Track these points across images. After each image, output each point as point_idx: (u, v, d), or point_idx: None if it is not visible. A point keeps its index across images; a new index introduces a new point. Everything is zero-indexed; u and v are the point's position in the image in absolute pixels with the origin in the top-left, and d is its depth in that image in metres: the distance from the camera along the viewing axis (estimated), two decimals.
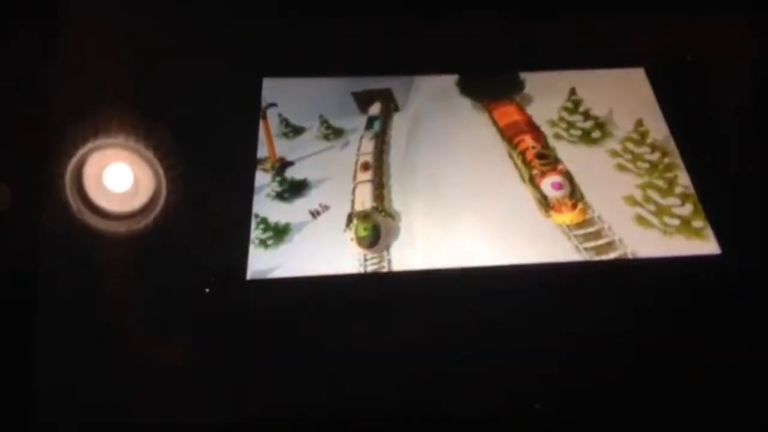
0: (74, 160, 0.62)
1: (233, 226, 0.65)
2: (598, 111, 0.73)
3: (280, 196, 0.68)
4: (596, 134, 0.71)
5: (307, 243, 0.65)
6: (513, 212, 0.66)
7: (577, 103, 0.73)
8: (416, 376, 0.58)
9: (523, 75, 0.76)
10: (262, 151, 0.71)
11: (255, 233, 0.65)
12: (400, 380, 0.58)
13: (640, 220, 0.65)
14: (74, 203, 0.61)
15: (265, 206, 0.67)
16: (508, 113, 0.74)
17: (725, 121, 0.72)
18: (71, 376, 0.58)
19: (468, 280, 0.62)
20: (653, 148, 0.70)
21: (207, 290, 0.61)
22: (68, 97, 0.66)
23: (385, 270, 0.63)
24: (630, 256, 0.63)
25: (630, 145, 0.70)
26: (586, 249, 0.63)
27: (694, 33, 0.77)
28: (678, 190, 0.67)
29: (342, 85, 0.76)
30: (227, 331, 0.59)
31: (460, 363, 0.58)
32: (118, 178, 0.62)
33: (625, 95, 0.74)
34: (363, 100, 0.76)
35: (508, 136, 0.72)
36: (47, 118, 0.65)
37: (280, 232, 0.65)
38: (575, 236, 0.64)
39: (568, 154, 0.70)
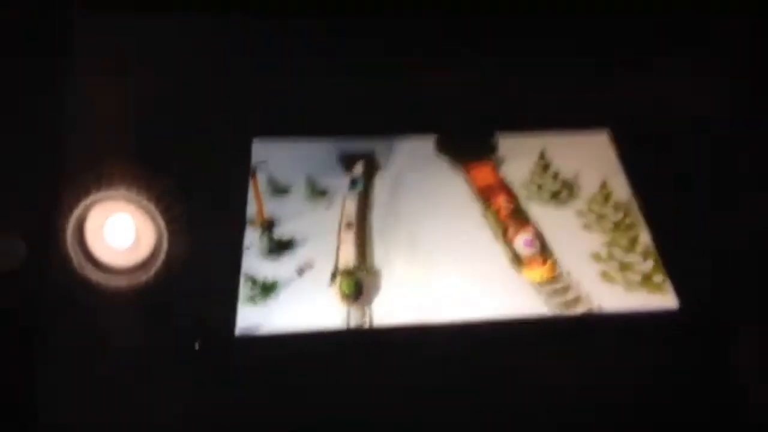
0: (76, 214, 0.65)
1: (223, 283, 0.68)
2: (566, 173, 0.77)
3: (268, 255, 0.71)
4: (564, 195, 0.76)
5: (294, 299, 0.68)
6: (487, 268, 0.70)
7: (546, 166, 0.78)
8: (397, 425, 0.61)
9: (497, 137, 0.81)
10: (251, 210, 0.74)
11: (243, 290, 0.68)
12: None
13: (605, 275, 0.69)
14: (76, 257, 0.64)
15: (254, 264, 0.70)
16: (483, 174, 0.78)
17: (684, 181, 0.76)
18: (70, 425, 0.60)
19: (445, 334, 0.66)
20: (616, 208, 0.74)
21: (197, 346, 0.64)
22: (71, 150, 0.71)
23: (367, 325, 0.66)
24: (596, 311, 0.67)
25: (595, 206, 0.74)
26: (555, 304, 0.67)
27: (654, 94, 0.82)
28: (639, 247, 0.71)
29: (328, 146, 0.80)
30: (217, 385, 0.62)
31: (438, 413, 0.62)
32: (119, 231, 0.65)
33: (590, 157, 0.78)
34: (347, 161, 0.80)
35: (483, 196, 0.76)
36: (54, 172, 0.69)
37: (267, 289, 0.69)
38: (545, 291, 0.68)
39: (539, 213, 0.75)
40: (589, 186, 0.76)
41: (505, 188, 0.77)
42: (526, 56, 0.82)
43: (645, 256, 0.71)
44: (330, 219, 0.75)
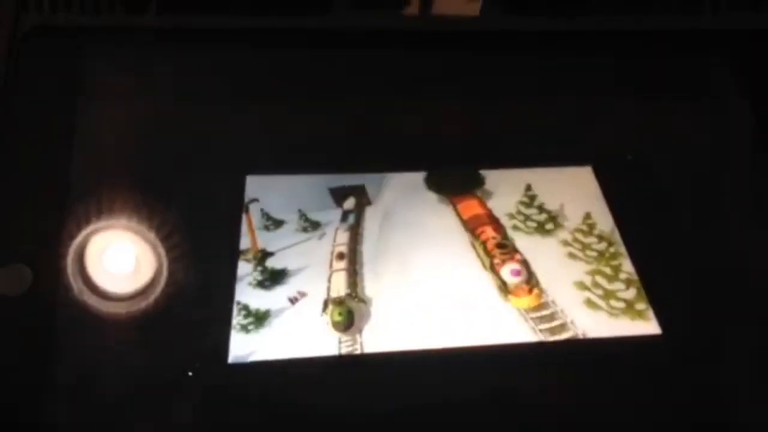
0: (76, 242, 0.67)
1: (218, 312, 0.70)
2: (551, 205, 0.80)
3: (261, 285, 0.73)
4: (549, 226, 0.78)
5: (286, 327, 0.70)
6: (476, 297, 0.72)
7: (532, 198, 0.81)
8: None
9: (484, 172, 0.83)
10: (245, 243, 0.76)
11: (237, 319, 0.70)
12: None
13: (589, 303, 0.71)
14: (75, 284, 0.66)
15: (247, 294, 0.72)
16: (471, 207, 0.81)
17: (665, 211, 0.79)
18: None
19: (434, 360, 0.67)
20: (600, 238, 0.77)
21: (190, 373, 0.65)
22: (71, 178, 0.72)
23: (358, 352, 0.68)
24: (581, 336, 0.69)
25: (579, 236, 0.77)
26: (541, 330, 0.69)
27: (637, 130, 0.85)
28: (622, 276, 0.73)
29: (319, 182, 0.82)
30: (210, 412, 0.63)
31: None
32: (119, 259, 0.67)
33: (574, 191, 0.81)
34: (339, 196, 0.82)
35: (471, 227, 0.79)
36: (59, 197, 0.70)
37: (260, 318, 0.70)
38: (531, 318, 0.70)
39: (525, 244, 0.77)
40: (573, 217, 0.79)
41: (493, 220, 0.79)
42: (514, 93, 0.86)
43: (627, 284, 0.73)
44: (322, 250, 0.77)
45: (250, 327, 0.69)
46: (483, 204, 0.81)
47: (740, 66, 0.88)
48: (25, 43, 0.79)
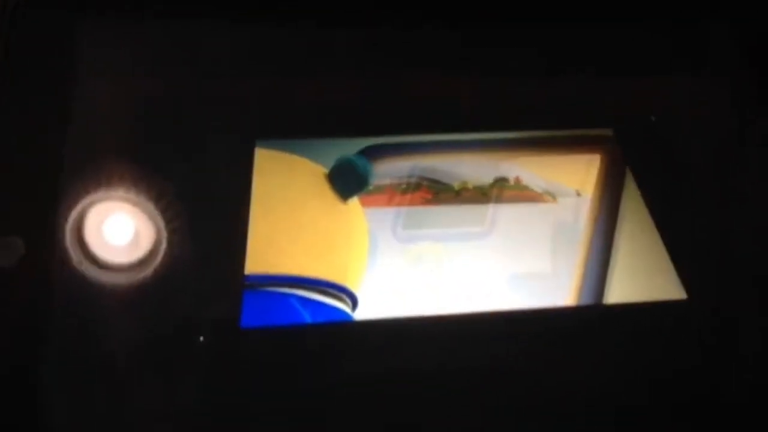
0: (75, 212, 0.65)
1: (226, 280, 0.68)
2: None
3: None
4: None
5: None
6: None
7: None
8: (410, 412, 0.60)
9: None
10: None
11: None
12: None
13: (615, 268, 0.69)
14: (74, 254, 0.64)
15: None
16: None
17: (690, 175, 0.76)
18: (71, 426, 0.59)
19: (450, 325, 0.65)
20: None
21: (201, 339, 0.63)
22: (71, 149, 0.70)
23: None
24: (604, 302, 0.67)
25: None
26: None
27: (658, 92, 0.83)
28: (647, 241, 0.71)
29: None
30: (222, 378, 0.62)
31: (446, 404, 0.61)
32: (118, 230, 0.65)
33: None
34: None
35: None
36: (54, 171, 0.69)
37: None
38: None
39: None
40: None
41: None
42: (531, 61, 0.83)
43: (653, 249, 0.70)
44: None
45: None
46: None
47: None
48: (17, 15, 0.77)
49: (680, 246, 0.70)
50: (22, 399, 0.59)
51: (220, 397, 0.61)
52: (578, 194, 0.75)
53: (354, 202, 0.73)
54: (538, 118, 0.80)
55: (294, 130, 0.79)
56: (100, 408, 0.60)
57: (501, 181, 0.76)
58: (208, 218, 0.70)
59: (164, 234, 0.67)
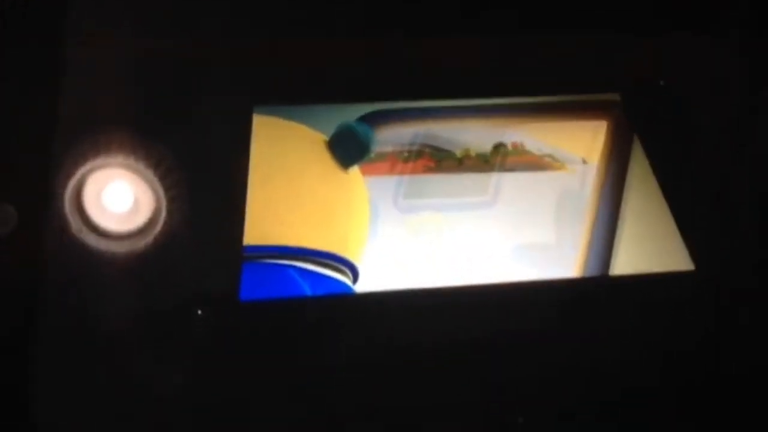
0: (74, 180, 0.64)
1: (225, 250, 0.67)
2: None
3: None
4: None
5: None
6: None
7: None
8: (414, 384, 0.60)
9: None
10: None
11: None
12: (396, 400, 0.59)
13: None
14: (74, 222, 0.63)
15: None
16: None
17: (700, 142, 0.74)
18: (65, 397, 0.59)
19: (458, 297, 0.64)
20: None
21: (199, 312, 0.62)
22: (68, 116, 0.68)
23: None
24: (610, 273, 0.65)
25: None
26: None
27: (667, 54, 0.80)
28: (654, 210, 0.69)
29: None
30: (221, 353, 0.61)
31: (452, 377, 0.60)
32: (117, 197, 0.64)
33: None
34: None
35: None
36: (49, 137, 0.67)
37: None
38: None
39: None
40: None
41: None
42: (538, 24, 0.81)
43: (660, 218, 0.68)
44: None
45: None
46: None
47: None
48: None
49: (688, 216, 0.68)
50: (18, 369, 0.59)
51: (217, 371, 0.60)
52: (584, 162, 0.73)
53: (354, 170, 0.71)
54: (543, 83, 0.78)
55: (293, 95, 0.78)
56: (96, 379, 0.59)
57: (503, 148, 0.74)
58: (206, 187, 0.68)
59: (164, 202, 0.66)
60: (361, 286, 0.65)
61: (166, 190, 0.66)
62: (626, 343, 0.62)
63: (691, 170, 0.73)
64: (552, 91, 0.78)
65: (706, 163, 0.73)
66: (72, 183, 0.65)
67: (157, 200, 0.66)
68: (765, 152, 0.74)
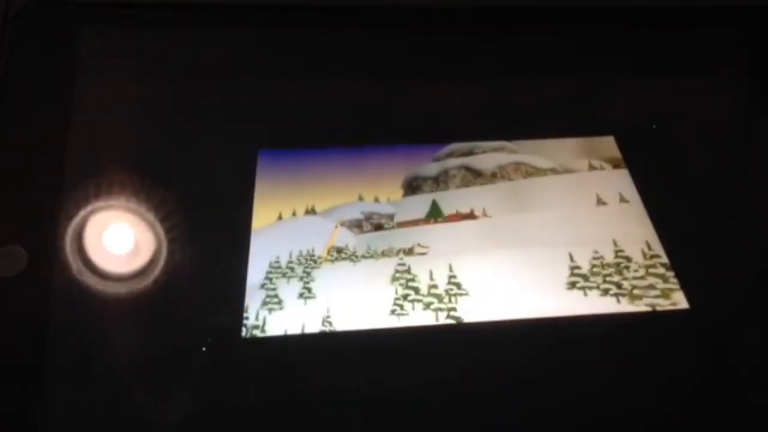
0: (75, 221, 0.65)
1: (227, 291, 0.68)
2: None
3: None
4: None
5: None
6: None
7: None
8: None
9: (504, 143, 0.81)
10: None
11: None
12: None
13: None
14: (74, 264, 0.64)
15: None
16: None
17: (691, 183, 0.76)
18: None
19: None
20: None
21: (204, 349, 0.63)
22: (74, 158, 0.71)
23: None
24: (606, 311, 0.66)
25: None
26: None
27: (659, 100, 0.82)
28: (649, 251, 0.70)
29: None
30: (224, 389, 0.62)
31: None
32: (118, 239, 0.66)
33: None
34: None
35: None
36: (59, 178, 0.69)
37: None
38: None
39: None
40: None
41: None
42: (532, 67, 0.83)
43: (654, 258, 0.70)
44: None
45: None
46: None
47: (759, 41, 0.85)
48: (21, 18, 0.77)
49: (682, 255, 0.69)
50: (23, 409, 0.60)
51: (222, 407, 0.61)
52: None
53: None
54: (537, 125, 0.81)
55: (298, 139, 0.80)
56: (99, 419, 0.60)
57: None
58: (209, 228, 0.70)
59: (165, 244, 0.67)
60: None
61: (167, 231, 0.67)
62: (623, 376, 0.62)
63: (685, 210, 0.74)
64: (546, 133, 0.80)
65: (700, 204, 0.74)
66: (73, 224, 0.66)
67: (158, 242, 0.67)
68: (761, 193, 0.76)
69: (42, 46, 0.77)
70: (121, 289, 0.65)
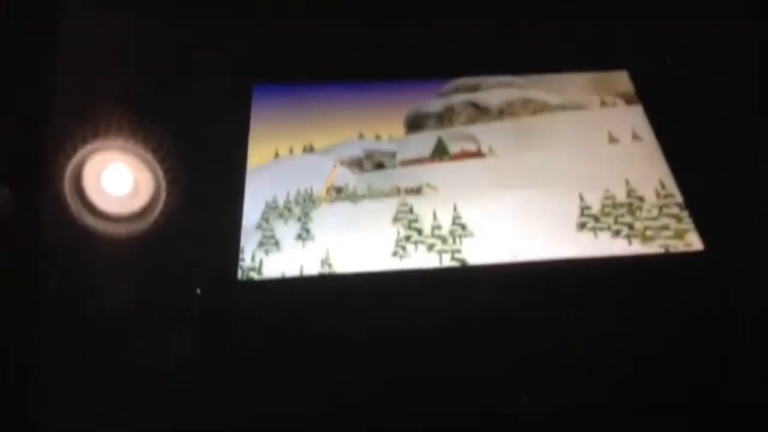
0: (73, 162, 0.63)
1: (224, 230, 0.66)
2: None
3: None
4: None
5: None
6: None
7: None
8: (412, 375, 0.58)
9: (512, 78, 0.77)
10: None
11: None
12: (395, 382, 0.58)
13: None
14: (74, 205, 0.62)
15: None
16: None
17: (707, 121, 0.72)
18: (66, 377, 0.58)
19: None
20: None
21: (198, 291, 0.61)
22: (67, 98, 0.68)
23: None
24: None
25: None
26: None
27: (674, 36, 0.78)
28: (664, 191, 0.68)
29: None
30: (220, 332, 0.60)
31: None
32: (117, 180, 0.63)
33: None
34: None
35: None
36: (47, 120, 0.66)
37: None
38: None
39: None
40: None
41: None
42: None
43: (668, 198, 0.67)
44: None
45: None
46: None
47: None
48: None
49: (696, 196, 0.66)
50: (18, 350, 0.58)
51: (216, 350, 0.59)
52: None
53: None
54: (553, 61, 0.77)
55: (292, 73, 0.76)
56: (96, 360, 0.58)
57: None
58: (206, 168, 0.68)
59: (163, 184, 0.65)
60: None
61: (166, 171, 0.65)
62: (637, 317, 0.60)
63: (698, 149, 0.71)
64: (561, 68, 0.76)
65: (717, 143, 0.71)
66: (71, 166, 0.64)
67: (157, 182, 0.65)
68: None
69: None
70: (116, 230, 0.63)
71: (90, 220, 0.63)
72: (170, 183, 0.65)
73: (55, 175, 0.63)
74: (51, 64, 0.69)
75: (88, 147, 0.64)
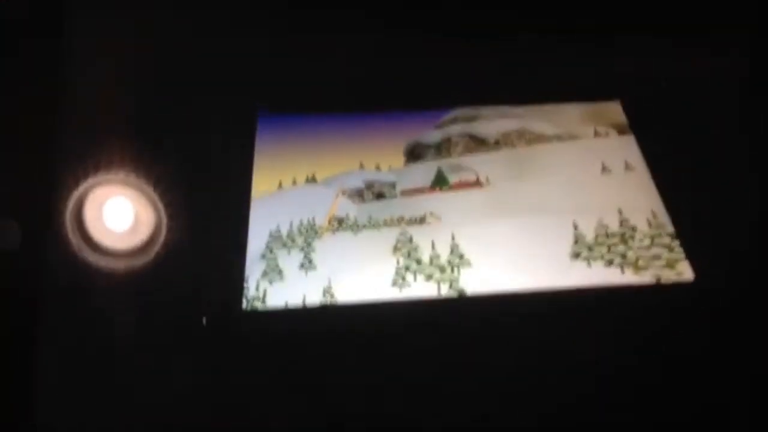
0: (75, 197, 0.64)
1: (228, 261, 0.67)
2: None
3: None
4: None
5: None
6: None
7: None
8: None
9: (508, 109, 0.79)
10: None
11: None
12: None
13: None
14: (75, 240, 0.63)
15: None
16: None
17: (699, 151, 0.74)
18: (71, 410, 0.59)
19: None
20: None
21: (204, 321, 0.63)
22: (69, 132, 0.68)
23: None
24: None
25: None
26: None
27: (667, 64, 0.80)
28: (655, 221, 0.69)
29: None
30: (223, 362, 0.61)
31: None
32: (118, 215, 0.64)
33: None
34: None
35: None
36: (50, 154, 0.67)
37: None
38: None
39: None
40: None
41: None
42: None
43: (660, 228, 0.69)
44: None
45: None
46: None
47: None
48: None
49: (688, 225, 0.68)
50: (22, 384, 0.59)
51: (221, 379, 0.61)
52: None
53: None
54: (544, 90, 0.79)
55: (296, 104, 0.78)
56: (99, 394, 0.60)
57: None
58: (208, 199, 0.69)
59: (164, 218, 0.66)
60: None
61: (167, 206, 0.66)
62: (627, 347, 0.62)
63: (691, 177, 0.72)
64: (553, 98, 0.78)
65: (709, 173, 0.72)
66: (73, 200, 0.64)
67: (158, 217, 0.66)
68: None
69: (31, 18, 0.74)
70: (120, 264, 0.64)
71: (91, 257, 0.64)
72: (171, 218, 0.66)
73: (58, 211, 0.64)
74: (54, 101, 0.70)
75: (90, 181, 0.65)
